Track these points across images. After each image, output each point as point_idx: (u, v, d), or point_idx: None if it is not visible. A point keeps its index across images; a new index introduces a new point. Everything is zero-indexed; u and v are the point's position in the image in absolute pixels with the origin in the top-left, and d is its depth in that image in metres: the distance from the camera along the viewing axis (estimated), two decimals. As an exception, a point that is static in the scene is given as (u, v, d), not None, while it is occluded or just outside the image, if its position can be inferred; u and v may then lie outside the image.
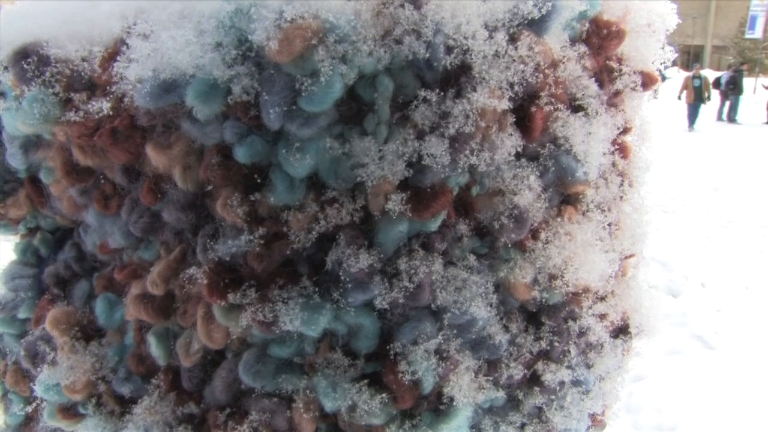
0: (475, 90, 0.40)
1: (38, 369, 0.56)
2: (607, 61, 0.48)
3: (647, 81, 0.50)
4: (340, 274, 0.41)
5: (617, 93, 0.49)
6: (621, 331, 0.52)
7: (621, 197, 0.49)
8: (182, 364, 0.49)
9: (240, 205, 0.43)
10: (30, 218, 0.62)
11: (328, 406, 0.43)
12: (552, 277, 0.44)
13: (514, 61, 0.41)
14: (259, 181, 0.43)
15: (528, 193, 0.43)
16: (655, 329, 0.55)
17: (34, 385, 0.54)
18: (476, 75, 0.40)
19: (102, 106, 0.42)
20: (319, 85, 0.38)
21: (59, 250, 0.62)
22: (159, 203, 0.47)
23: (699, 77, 13.71)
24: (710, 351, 4.29)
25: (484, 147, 0.40)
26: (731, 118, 14.17)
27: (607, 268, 0.45)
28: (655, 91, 0.54)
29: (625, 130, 0.51)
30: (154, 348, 0.50)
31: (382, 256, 0.42)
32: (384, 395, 0.44)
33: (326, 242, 0.43)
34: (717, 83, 14.59)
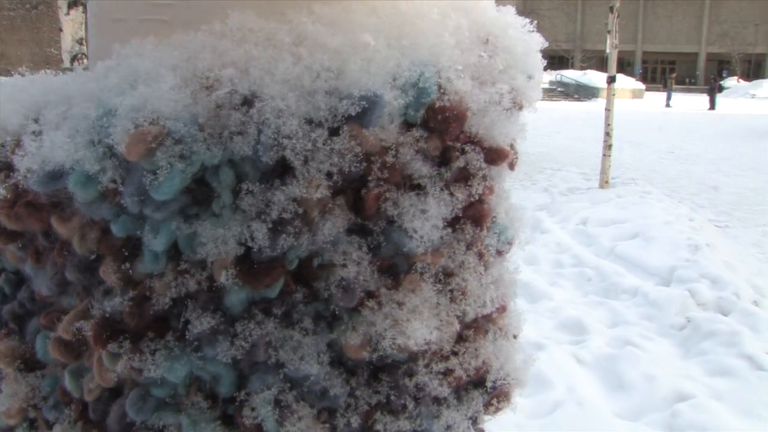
0: (293, 182, 0.46)
1: None
2: (450, 142, 0.53)
3: (495, 157, 0.55)
4: (186, 335, 0.49)
5: (462, 169, 0.54)
6: (475, 385, 0.57)
7: (463, 264, 0.54)
8: (86, 398, 0.58)
9: (116, 272, 0.51)
10: (-5, 261, 0.74)
11: None
12: (379, 340, 0.50)
13: (333, 152, 0.47)
14: (126, 254, 0.51)
15: (354, 266, 0.49)
16: (521, 381, 0.59)
17: None
18: (295, 168, 0.46)
19: (1, 192, 0.52)
20: (160, 179, 0.46)
21: (18, 290, 0.73)
22: (66, 264, 0.56)
23: None
24: (762, 372, 4.08)
25: (304, 230, 0.47)
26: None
27: (428, 334, 0.50)
28: (514, 162, 0.58)
29: (477, 202, 0.55)
30: (68, 382, 0.59)
31: (223, 319, 0.49)
32: None
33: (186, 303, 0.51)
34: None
